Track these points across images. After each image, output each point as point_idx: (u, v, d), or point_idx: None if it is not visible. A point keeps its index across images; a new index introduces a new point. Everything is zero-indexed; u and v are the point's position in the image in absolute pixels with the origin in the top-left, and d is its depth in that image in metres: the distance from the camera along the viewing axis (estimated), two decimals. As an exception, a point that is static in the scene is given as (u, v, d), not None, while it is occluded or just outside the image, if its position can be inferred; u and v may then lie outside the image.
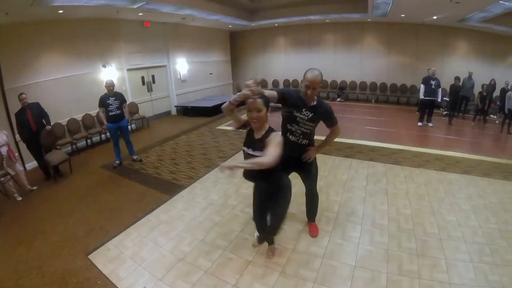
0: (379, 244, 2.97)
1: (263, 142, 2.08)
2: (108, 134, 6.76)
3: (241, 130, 2.36)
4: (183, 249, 2.94)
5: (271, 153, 1.94)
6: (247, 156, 2.18)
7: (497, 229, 3.20)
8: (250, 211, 3.52)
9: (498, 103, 9.06)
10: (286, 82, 12.96)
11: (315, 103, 2.54)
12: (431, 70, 7.86)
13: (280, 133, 2.15)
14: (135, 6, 6.40)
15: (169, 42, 9.45)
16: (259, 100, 2.06)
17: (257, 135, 2.18)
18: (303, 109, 2.52)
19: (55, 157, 4.96)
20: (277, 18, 10.78)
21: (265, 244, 2.76)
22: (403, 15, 9.22)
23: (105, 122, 5.13)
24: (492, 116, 9.36)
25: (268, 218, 2.48)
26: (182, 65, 10.12)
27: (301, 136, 2.61)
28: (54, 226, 3.54)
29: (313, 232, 3.12)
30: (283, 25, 12.03)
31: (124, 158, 5.52)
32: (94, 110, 6.38)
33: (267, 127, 2.17)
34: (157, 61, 9.20)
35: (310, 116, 2.52)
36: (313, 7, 9.76)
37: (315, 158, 2.82)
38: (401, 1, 7.15)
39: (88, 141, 6.83)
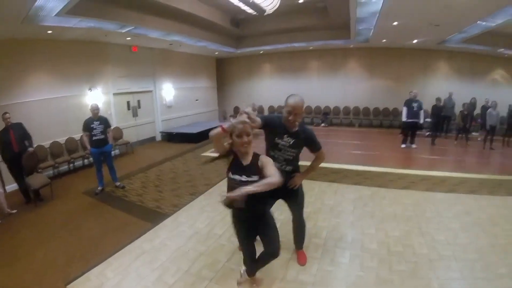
0: (370, 268, 2.89)
1: (255, 166, 2.09)
2: (90, 159, 6.61)
3: (220, 160, 2.30)
4: (166, 281, 2.78)
5: (275, 172, 1.97)
6: (238, 183, 2.08)
7: (487, 244, 3.20)
8: (236, 241, 3.39)
9: (479, 120, 9.42)
10: (271, 108, 13.12)
11: (297, 128, 2.54)
12: (412, 93, 8.16)
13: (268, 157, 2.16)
14: (124, 31, 6.50)
15: (156, 67, 9.52)
16: (247, 125, 2.08)
17: (245, 162, 2.15)
18: (285, 136, 2.52)
19: (36, 180, 4.81)
20: (262, 46, 11.12)
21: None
22: (384, 40, 9.69)
23: (89, 147, 5.01)
24: (474, 133, 9.69)
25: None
26: (168, 90, 10.16)
27: (284, 163, 2.58)
28: (34, 252, 3.38)
29: (301, 260, 3.02)
30: (268, 52, 12.38)
31: (106, 184, 5.35)
32: (78, 134, 6.29)
33: (252, 152, 2.17)
34: (144, 86, 9.21)
35: (291, 142, 2.52)
36: (297, 34, 10.14)
37: (301, 184, 2.78)
38: (382, 27, 7.51)
39: (71, 165, 6.64)
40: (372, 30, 7.95)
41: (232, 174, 2.16)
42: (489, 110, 8.05)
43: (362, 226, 3.77)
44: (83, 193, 5.24)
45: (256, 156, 2.15)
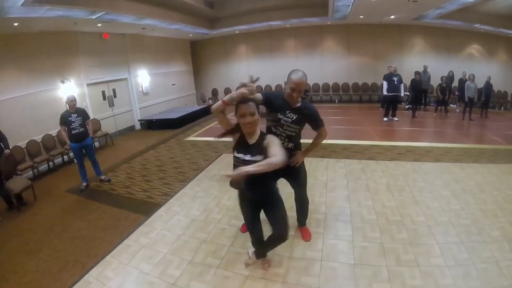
0: (373, 239, 2.95)
1: (261, 146, 2.00)
2: (71, 155, 6.27)
3: (227, 137, 2.19)
4: (172, 273, 2.66)
5: (280, 152, 1.87)
6: (242, 162, 2.02)
7: (478, 209, 3.36)
8: (236, 223, 3.39)
9: (456, 93, 9.79)
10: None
11: (299, 104, 2.48)
12: (392, 67, 8.29)
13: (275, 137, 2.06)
14: (94, 17, 6.09)
15: (129, 54, 9.08)
16: (252, 104, 1.98)
17: (251, 141, 2.08)
18: (287, 111, 2.46)
19: (16, 184, 4.45)
20: (238, 26, 10.79)
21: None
22: (362, 17, 9.68)
23: (68, 142, 4.69)
24: (452, 105, 10.08)
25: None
26: (143, 77, 9.74)
27: (286, 140, 2.53)
28: (24, 263, 3.08)
29: (306, 236, 3.02)
30: (244, 32, 12.09)
31: (91, 179, 5.06)
32: (55, 129, 5.95)
33: (259, 131, 2.08)
34: (118, 74, 8.77)
35: (294, 118, 2.46)
36: (273, 13, 9.90)
37: (303, 162, 2.74)
38: (361, 2, 7.46)
39: (50, 163, 6.22)
40: (350, 6, 7.88)
41: (237, 152, 2.10)
42: (467, 82, 8.35)
43: (359, 198, 3.83)
44: (67, 192, 4.92)
45: (262, 135, 2.08)
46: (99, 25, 7.04)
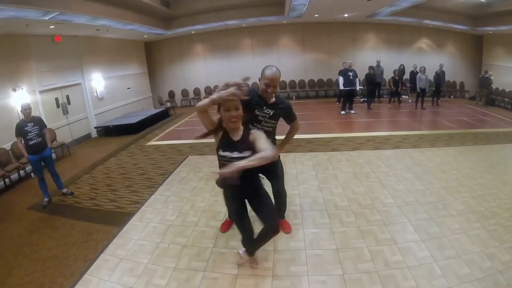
0: (349, 223, 3.14)
1: (247, 141, 2.00)
2: (27, 169, 5.72)
3: (209, 137, 2.16)
4: (158, 283, 2.54)
5: (269, 145, 1.90)
6: (230, 160, 1.97)
7: (441, 188, 3.75)
8: (215, 223, 3.37)
9: (408, 84, 10.64)
10: (208, 89, 12.85)
11: (274, 99, 2.54)
12: (347, 63, 8.76)
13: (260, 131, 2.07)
14: (47, 18, 5.64)
15: (82, 57, 8.50)
16: (236, 98, 1.94)
17: (236, 137, 2.06)
18: (264, 107, 2.49)
19: None
20: (194, 25, 10.64)
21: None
22: (316, 15, 10.08)
23: (26, 154, 4.28)
24: (404, 96, 10.94)
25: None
26: (98, 81, 9.16)
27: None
28: None
29: (286, 228, 3.10)
30: (199, 31, 11.94)
31: (52, 193, 4.64)
32: (8, 142, 5.47)
33: (242, 127, 2.08)
34: (71, 79, 8.17)
35: (271, 113, 2.51)
36: (230, 12, 9.91)
37: (279, 156, 2.80)
38: (316, 2, 7.76)
39: (6, 180, 5.55)
40: (306, 5, 8.17)
41: (223, 151, 2.06)
42: (419, 74, 9.15)
43: (330, 187, 4.03)
44: (29, 209, 4.44)
45: (247, 131, 2.08)
46: (52, 26, 6.56)
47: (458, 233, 2.84)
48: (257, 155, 1.86)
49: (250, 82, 2.42)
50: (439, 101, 9.95)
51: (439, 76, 9.54)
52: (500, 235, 2.82)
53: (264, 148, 1.89)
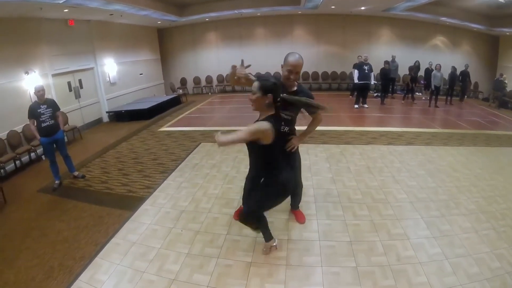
0: (363, 216, 3.12)
1: None
2: (39, 151, 5.76)
3: None
4: (171, 269, 2.54)
5: (242, 130, 1.95)
6: None
7: (453, 186, 3.70)
8: (228, 211, 3.37)
9: (422, 82, 10.44)
10: (220, 77, 12.81)
11: (295, 88, 2.50)
12: (362, 56, 8.60)
13: (266, 122, 2.01)
14: (61, 1, 5.61)
15: (95, 42, 8.47)
16: (255, 83, 1.99)
17: (259, 119, 2.11)
18: (284, 95, 2.44)
19: None
20: (208, 13, 10.52)
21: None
22: (333, 7, 9.88)
23: (38, 136, 4.29)
24: (417, 93, 10.74)
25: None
26: (110, 66, 9.16)
27: (282, 123, 2.52)
28: (2, 275, 2.72)
29: (300, 218, 3.10)
30: (213, 19, 11.80)
31: (63, 176, 4.68)
32: (20, 125, 5.49)
33: (269, 113, 2.06)
34: (84, 64, 8.17)
35: None
36: (244, 0, 9.77)
37: (298, 148, 2.77)
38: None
39: (17, 162, 5.63)
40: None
41: None
42: (434, 72, 8.94)
43: (343, 180, 4.00)
44: (39, 192, 4.47)
45: (263, 119, 2.07)
46: (66, 10, 6.51)
47: (469, 232, 2.83)
48: (217, 135, 1.93)
49: (264, 71, 2.53)
50: (452, 100, 9.75)
51: (454, 75, 9.34)
52: (510, 237, 2.79)
53: (236, 132, 1.97)
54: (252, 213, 2.33)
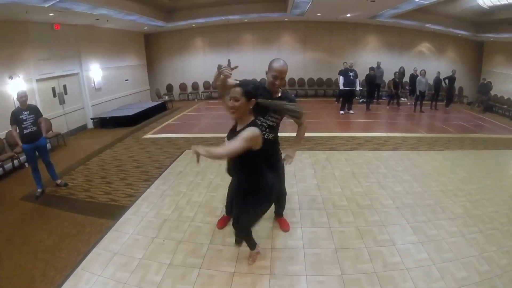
0: (348, 223, 3.11)
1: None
2: (22, 158, 5.62)
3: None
4: (152, 279, 2.48)
5: (228, 145, 1.90)
6: None
7: (439, 191, 3.73)
8: (212, 219, 3.31)
9: (407, 87, 10.65)
10: (207, 84, 12.79)
11: (280, 94, 2.50)
12: (348, 63, 8.73)
13: (255, 128, 1.98)
14: (47, 5, 5.51)
15: (81, 46, 8.37)
16: (238, 89, 1.94)
17: (239, 127, 2.04)
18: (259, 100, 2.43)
19: None
20: (195, 19, 10.53)
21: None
22: (319, 14, 10.02)
23: (20, 143, 4.18)
24: (403, 99, 10.95)
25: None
26: (96, 71, 9.02)
27: (267, 130, 2.51)
28: None
29: (285, 226, 3.07)
30: (200, 25, 11.80)
31: (46, 184, 4.55)
32: (3, 131, 5.36)
33: (250, 119, 2.03)
34: (69, 69, 8.03)
35: None
36: (232, 7, 9.82)
37: (281, 155, 2.76)
38: (320, 0, 7.69)
39: (0, 169, 5.43)
40: (309, 3, 8.10)
41: (227, 137, 2.12)
42: (419, 77, 9.14)
43: (328, 186, 4.00)
44: (22, 200, 4.35)
45: (249, 124, 2.01)
46: (52, 14, 6.41)
47: (456, 236, 2.84)
48: (209, 149, 1.79)
49: (251, 77, 2.51)
50: (437, 105, 9.96)
51: (438, 80, 9.58)
52: (498, 240, 2.82)
53: (222, 147, 1.93)
54: (245, 231, 2.37)
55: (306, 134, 4.95)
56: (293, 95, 12.25)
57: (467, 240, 2.78)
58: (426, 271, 2.40)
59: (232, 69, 2.17)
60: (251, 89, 1.97)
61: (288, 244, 2.81)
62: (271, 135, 2.55)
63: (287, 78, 12.01)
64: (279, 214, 3.13)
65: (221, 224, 3.14)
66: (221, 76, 2.15)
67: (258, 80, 12.29)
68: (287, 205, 3.40)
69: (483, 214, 3.28)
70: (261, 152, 2.03)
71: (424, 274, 2.37)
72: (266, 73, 2.45)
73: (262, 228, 3.05)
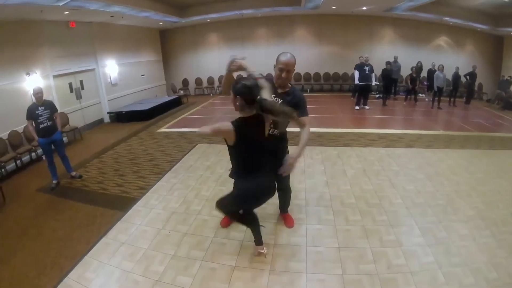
0: (355, 222, 3.04)
1: None
2: (39, 151, 5.83)
3: None
4: (156, 270, 2.55)
5: (206, 127, 2.04)
6: None
7: (453, 191, 3.57)
8: (218, 214, 3.27)
9: (425, 83, 10.27)
10: (221, 78, 12.78)
11: (287, 89, 2.46)
12: (363, 57, 8.49)
13: (228, 123, 2.02)
14: (61, 4, 5.65)
15: (96, 43, 8.55)
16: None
17: None
18: (273, 95, 2.40)
19: None
20: (209, 14, 10.54)
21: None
22: (334, 7, 9.80)
23: (36, 137, 4.36)
24: (420, 95, 10.57)
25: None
26: (111, 67, 9.23)
27: (271, 125, 2.47)
28: None
29: (289, 223, 3.04)
30: (215, 20, 11.82)
31: (61, 176, 4.72)
32: (21, 125, 5.51)
33: (252, 113, 2.06)
34: (85, 65, 8.26)
35: (279, 102, 2.40)
36: (245, 1, 9.77)
37: (289, 153, 2.69)
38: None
39: (18, 162, 5.71)
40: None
41: None
42: (437, 72, 8.78)
43: (337, 183, 3.92)
44: (38, 191, 4.54)
45: (234, 120, 2.09)
46: (66, 12, 6.57)
47: (466, 240, 2.70)
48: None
49: (265, 72, 2.49)
50: (455, 101, 9.57)
51: (457, 76, 9.18)
52: (510, 245, 2.66)
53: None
54: (218, 208, 2.43)
55: (318, 130, 4.82)
56: (307, 90, 12.13)
57: (477, 245, 2.65)
58: (431, 276, 2.30)
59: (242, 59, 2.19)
60: (236, 87, 1.99)
61: (291, 241, 2.79)
62: (276, 131, 2.51)
63: (298, 72, 11.97)
64: (283, 210, 3.11)
65: (225, 222, 3.13)
66: (233, 66, 2.21)
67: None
68: (293, 201, 3.38)
69: (496, 217, 3.10)
70: (242, 149, 2.09)
71: (429, 278, 2.28)
72: (274, 66, 2.40)
73: (266, 224, 3.04)
